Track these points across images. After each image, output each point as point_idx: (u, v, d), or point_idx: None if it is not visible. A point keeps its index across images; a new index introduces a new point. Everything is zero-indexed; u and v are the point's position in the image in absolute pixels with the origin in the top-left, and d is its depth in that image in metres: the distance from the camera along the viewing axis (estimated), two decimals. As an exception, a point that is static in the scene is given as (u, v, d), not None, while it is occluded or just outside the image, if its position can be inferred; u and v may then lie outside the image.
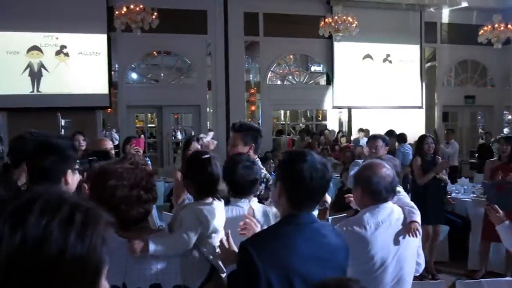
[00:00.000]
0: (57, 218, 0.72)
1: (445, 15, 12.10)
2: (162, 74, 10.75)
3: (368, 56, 11.49)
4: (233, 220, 2.36)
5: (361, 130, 10.62)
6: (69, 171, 1.92)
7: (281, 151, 10.98)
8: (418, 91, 11.92)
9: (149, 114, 11.34)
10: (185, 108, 10.94)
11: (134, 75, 11.23)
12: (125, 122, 10.22)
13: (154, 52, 10.86)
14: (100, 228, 0.76)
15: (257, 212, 2.55)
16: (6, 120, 9.82)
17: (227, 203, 2.43)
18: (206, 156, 2.01)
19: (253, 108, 11.36)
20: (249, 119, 11.98)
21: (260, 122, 11.30)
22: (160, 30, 8.67)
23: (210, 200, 1.92)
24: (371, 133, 8.25)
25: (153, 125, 11.64)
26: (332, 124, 11.75)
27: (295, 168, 1.63)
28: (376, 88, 11.41)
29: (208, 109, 11.02)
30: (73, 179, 1.94)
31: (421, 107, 12.01)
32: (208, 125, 10.90)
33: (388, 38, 11.35)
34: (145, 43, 9.87)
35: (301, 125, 13.03)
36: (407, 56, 11.79)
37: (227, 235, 1.80)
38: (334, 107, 11.42)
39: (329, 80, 11.52)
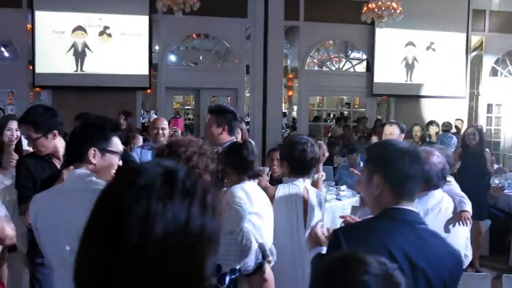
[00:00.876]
0: (196, 199, 0.77)
1: (495, 2, 11.55)
2: (200, 57, 10.81)
3: (410, 43, 11.15)
4: (288, 198, 2.39)
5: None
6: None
7: (317, 137, 10.94)
8: (462, 81, 11.50)
9: (187, 96, 11.46)
10: (222, 91, 10.99)
11: (173, 57, 11.34)
12: (163, 104, 10.38)
13: (194, 35, 10.92)
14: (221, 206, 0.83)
15: (311, 193, 2.56)
16: (51, 97, 10.17)
17: (280, 181, 2.47)
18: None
19: (290, 93, 11.28)
20: (286, 104, 11.94)
21: (297, 108, 11.23)
22: (201, 13, 8.69)
23: (247, 181, 1.97)
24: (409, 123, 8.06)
25: (190, 107, 11.78)
26: (370, 112, 11.54)
27: (395, 158, 1.52)
28: (418, 76, 11.10)
29: (245, 93, 11.03)
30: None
31: (464, 98, 11.60)
32: (245, 109, 10.93)
33: (432, 25, 10.96)
34: (185, 25, 9.95)
35: (340, 112, 12.91)
36: (452, 44, 11.37)
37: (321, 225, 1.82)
38: (373, 95, 11.20)
39: (369, 67, 11.29)
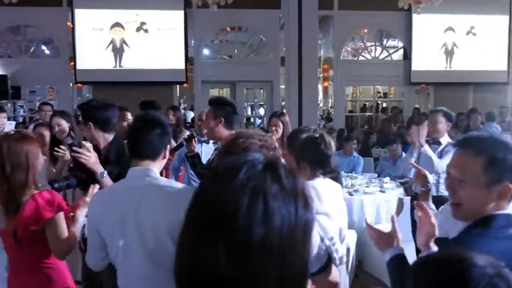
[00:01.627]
0: (299, 194, 0.77)
1: (540, -18, 11.03)
2: (235, 50, 10.82)
3: (450, 28, 10.79)
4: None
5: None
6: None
7: (356, 129, 10.81)
8: (504, 66, 11.07)
9: (222, 89, 11.52)
10: (258, 83, 10.98)
11: (208, 51, 11.40)
12: (200, 97, 10.48)
13: (228, 28, 10.94)
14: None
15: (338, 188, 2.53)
16: (92, 92, 10.45)
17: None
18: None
19: (325, 84, 11.15)
20: (321, 96, 11.83)
21: (333, 99, 11.11)
22: (235, 6, 8.68)
23: (319, 178, 1.95)
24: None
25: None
26: (408, 101, 11.29)
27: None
28: (458, 63, 10.76)
29: (280, 85, 10.99)
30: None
31: (507, 84, 11.17)
32: (280, 101, 10.90)
33: (473, 8, 10.57)
34: (220, 18, 9.97)
35: (376, 102, 12.67)
36: (494, 28, 10.94)
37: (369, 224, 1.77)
38: (411, 84, 10.94)
39: (406, 55, 11.02)
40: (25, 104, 12.41)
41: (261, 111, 12.26)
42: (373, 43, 11.74)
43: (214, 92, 12.32)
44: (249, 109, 12.67)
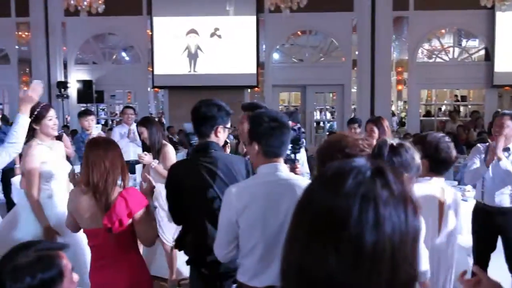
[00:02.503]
0: (408, 199, 0.76)
1: None
2: (306, 54, 10.80)
3: (538, 27, 10.04)
4: (423, 198, 2.28)
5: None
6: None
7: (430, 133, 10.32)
8: None
9: (293, 93, 11.57)
10: (328, 87, 10.89)
11: (279, 55, 11.49)
12: (270, 101, 10.57)
13: (299, 32, 10.95)
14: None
15: (448, 194, 2.43)
16: (167, 96, 10.93)
17: None
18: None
19: (399, 87, 10.79)
20: (393, 100, 11.49)
21: (407, 102, 10.74)
22: (306, 9, 8.68)
23: None
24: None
25: (295, 104, 11.85)
26: (489, 105, 10.62)
27: None
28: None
29: (352, 88, 10.81)
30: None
31: None
32: (351, 105, 10.73)
33: None
34: (292, 23, 10.01)
35: (454, 106, 12.07)
36: None
37: None
38: (493, 86, 10.29)
39: (488, 56, 10.39)
40: (106, 108, 13.27)
41: (328, 115, 12.16)
42: (451, 44, 11.20)
43: (284, 96, 12.40)
44: (317, 113, 12.59)
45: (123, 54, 12.17)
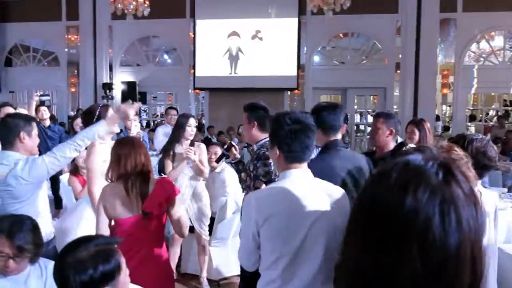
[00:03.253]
0: (475, 198, 0.75)
1: None
2: (348, 56, 10.66)
3: None
4: None
5: None
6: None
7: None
8: None
9: (332, 96, 11.44)
10: (370, 90, 10.71)
11: (320, 57, 11.41)
12: (310, 104, 10.50)
13: (340, 34, 10.83)
14: None
15: (486, 198, 2.31)
16: (208, 98, 11.07)
17: None
18: None
19: (445, 91, 10.46)
20: (440, 103, 11.16)
21: (452, 106, 10.39)
22: (349, 11, 8.55)
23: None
24: None
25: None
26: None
27: None
28: None
29: (394, 92, 10.58)
30: None
31: None
32: (394, 108, 10.49)
33: None
34: (334, 25, 9.91)
35: (504, 110, 11.56)
36: None
37: None
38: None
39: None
40: (148, 109, 13.60)
41: (369, 118, 11.94)
42: (501, 47, 10.75)
43: (324, 99, 12.27)
44: (357, 116, 12.39)
45: (165, 56, 12.43)
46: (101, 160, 2.92)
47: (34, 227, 2.00)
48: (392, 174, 0.79)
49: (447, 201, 0.72)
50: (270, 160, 2.61)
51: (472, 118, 11.57)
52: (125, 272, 1.54)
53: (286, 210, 1.74)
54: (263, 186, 2.64)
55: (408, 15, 9.82)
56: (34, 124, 2.63)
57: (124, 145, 2.41)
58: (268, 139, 2.61)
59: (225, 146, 3.40)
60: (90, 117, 2.91)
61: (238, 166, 3.27)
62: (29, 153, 2.61)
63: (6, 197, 2.48)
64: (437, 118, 11.15)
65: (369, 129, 11.63)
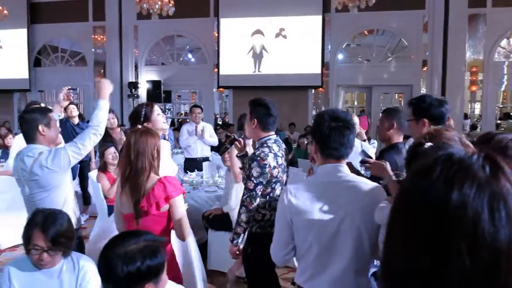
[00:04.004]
0: None
1: None
2: (373, 54, 10.52)
3: None
4: None
5: None
6: None
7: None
8: None
9: (356, 94, 11.33)
10: (396, 88, 10.55)
11: (344, 55, 11.30)
12: (334, 101, 10.42)
13: (365, 31, 10.69)
14: None
15: None
16: (232, 96, 11.11)
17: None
18: None
19: (473, 88, 10.23)
20: (468, 101, 10.91)
21: (481, 104, 10.15)
22: (375, 8, 8.44)
23: None
24: None
25: (360, 104, 11.59)
26: None
27: None
28: None
29: (421, 89, 10.38)
30: None
31: None
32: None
33: None
34: (358, 22, 9.82)
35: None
36: None
37: None
38: None
39: None
40: (172, 107, 13.73)
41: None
42: (532, 42, 10.42)
43: (348, 97, 12.16)
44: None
45: (190, 55, 12.53)
46: (164, 159, 2.81)
47: (67, 220, 2.04)
48: (435, 168, 0.76)
49: (496, 195, 0.69)
50: (266, 162, 2.59)
51: (506, 116, 11.26)
52: (166, 270, 1.58)
53: (321, 199, 1.81)
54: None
55: (435, 11, 9.63)
56: (50, 115, 2.69)
57: (126, 140, 2.37)
58: (268, 138, 2.72)
59: (228, 140, 3.31)
60: (136, 117, 2.90)
61: (243, 160, 3.12)
62: (52, 143, 2.70)
63: (34, 187, 2.56)
64: (465, 116, 10.90)
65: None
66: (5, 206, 4.77)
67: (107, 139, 4.53)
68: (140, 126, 2.72)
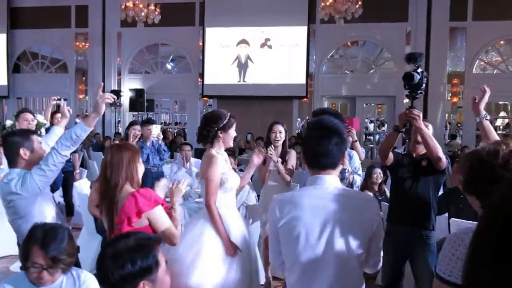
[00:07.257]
0: None
1: None
2: (357, 65, 10.63)
3: None
4: None
5: None
6: None
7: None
8: None
9: (340, 104, 11.41)
10: (378, 98, 10.68)
11: (329, 66, 11.38)
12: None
13: (348, 43, 10.80)
14: None
15: None
16: (216, 105, 11.04)
17: None
18: None
19: (455, 99, 10.44)
20: (448, 113, 11.11)
21: (462, 114, 10.33)
22: (359, 20, 8.54)
23: None
24: None
25: (345, 115, 11.68)
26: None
27: None
28: None
29: (403, 100, 10.52)
30: None
31: None
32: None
33: None
34: (343, 33, 9.94)
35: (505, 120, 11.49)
36: None
37: None
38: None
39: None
40: (154, 116, 13.53)
41: (371, 126, 11.97)
42: (510, 55, 10.70)
43: (332, 107, 12.23)
44: (371, 125, 12.34)
45: (173, 64, 12.44)
46: (220, 173, 2.71)
47: (68, 236, 1.94)
48: None
49: None
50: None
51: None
52: (164, 269, 1.54)
53: (307, 212, 1.72)
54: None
55: (418, 23, 9.81)
56: (33, 137, 2.53)
57: (109, 150, 2.31)
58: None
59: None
60: (215, 120, 2.70)
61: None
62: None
63: (10, 213, 2.45)
64: (446, 126, 11.11)
65: (377, 137, 11.62)
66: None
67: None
68: (206, 130, 2.70)
